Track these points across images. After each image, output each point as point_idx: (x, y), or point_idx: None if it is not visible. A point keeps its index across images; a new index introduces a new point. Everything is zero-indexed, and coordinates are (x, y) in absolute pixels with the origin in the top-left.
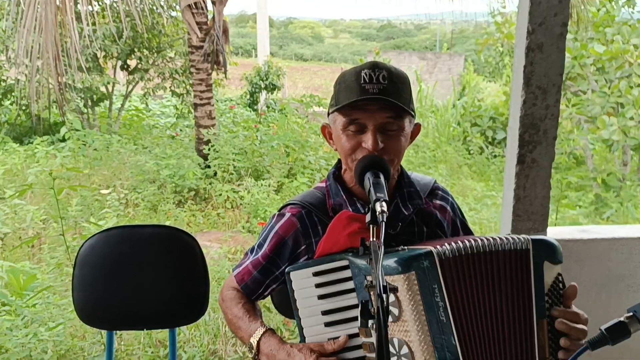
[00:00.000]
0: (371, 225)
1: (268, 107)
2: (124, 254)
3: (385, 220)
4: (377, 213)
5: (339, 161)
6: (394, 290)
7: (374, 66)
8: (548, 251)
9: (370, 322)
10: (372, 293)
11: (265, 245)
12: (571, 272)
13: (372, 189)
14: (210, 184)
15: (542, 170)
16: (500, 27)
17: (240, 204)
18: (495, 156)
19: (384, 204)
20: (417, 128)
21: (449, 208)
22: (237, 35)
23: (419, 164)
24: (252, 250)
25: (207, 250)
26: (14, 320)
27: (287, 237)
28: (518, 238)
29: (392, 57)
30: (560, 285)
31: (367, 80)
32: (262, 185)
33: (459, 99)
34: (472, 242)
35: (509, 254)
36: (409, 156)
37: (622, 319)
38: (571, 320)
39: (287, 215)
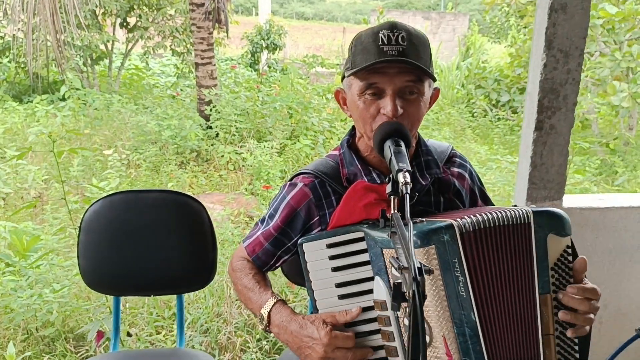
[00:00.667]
0: (392, 197)
1: (269, 67)
2: (129, 220)
3: (409, 192)
4: (401, 184)
5: (353, 128)
6: (429, 272)
7: (393, 27)
8: (553, 223)
9: (403, 304)
10: (404, 274)
11: (277, 216)
12: (586, 241)
13: (393, 158)
14: (212, 145)
15: (560, 137)
16: None
17: (243, 166)
18: (499, 119)
19: (407, 174)
20: (436, 93)
21: (467, 176)
22: None
23: (422, 126)
24: (262, 220)
25: (210, 212)
26: (18, 280)
27: (300, 208)
28: (520, 211)
29: (395, 17)
30: (570, 258)
31: (386, 42)
32: (264, 147)
33: (463, 61)
34: (488, 215)
35: (511, 228)
36: None
37: None
38: (582, 296)
39: (300, 185)
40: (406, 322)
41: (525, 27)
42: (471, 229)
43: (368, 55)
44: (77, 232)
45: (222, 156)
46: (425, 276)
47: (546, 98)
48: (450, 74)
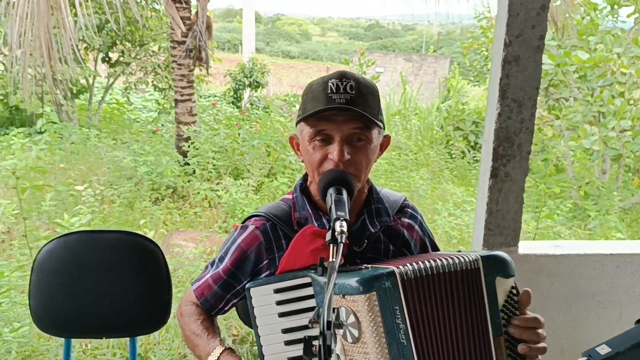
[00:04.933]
0: (331, 245)
1: (252, 104)
2: (83, 260)
3: (343, 241)
4: (337, 233)
5: (307, 173)
6: (339, 326)
7: (342, 76)
8: (499, 266)
9: None
10: (313, 327)
11: (227, 259)
12: (542, 287)
13: (333, 206)
14: (188, 181)
15: (515, 184)
16: (486, 32)
17: (218, 203)
18: (476, 160)
19: (343, 223)
20: (386, 140)
21: (417, 227)
22: (224, 30)
23: (401, 166)
24: (212, 263)
25: (182, 249)
26: None
27: (250, 251)
28: (469, 257)
29: (377, 58)
30: (515, 297)
31: (334, 90)
32: (241, 184)
33: (443, 102)
34: (432, 262)
35: (461, 274)
36: (391, 158)
37: None
38: (529, 326)
39: (251, 227)
40: None
41: None
42: (413, 277)
43: (317, 103)
44: (30, 271)
45: (198, 193)
46: (367, 323)
47: (501, 146)
48: (430, 115)
